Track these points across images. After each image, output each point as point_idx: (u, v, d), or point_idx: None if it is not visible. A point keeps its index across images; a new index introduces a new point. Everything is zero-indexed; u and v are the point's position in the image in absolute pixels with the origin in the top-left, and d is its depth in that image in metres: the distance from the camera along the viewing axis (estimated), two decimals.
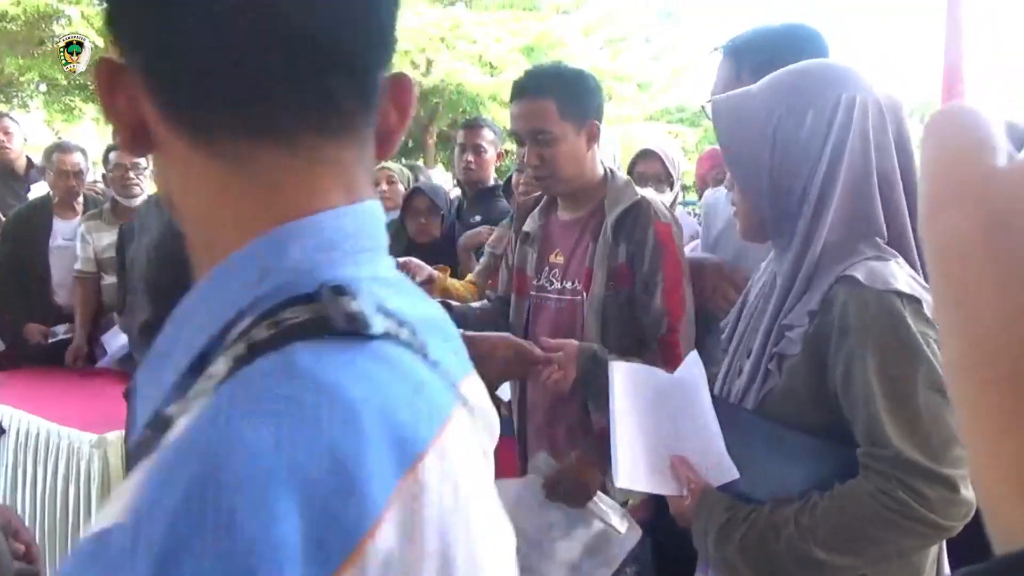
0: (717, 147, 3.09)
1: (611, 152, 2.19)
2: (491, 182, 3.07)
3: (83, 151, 3.51)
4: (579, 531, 1.53)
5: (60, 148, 3.44)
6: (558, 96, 1.63)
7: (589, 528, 1.53)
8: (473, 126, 3.09)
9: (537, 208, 1.83)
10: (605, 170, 1.72)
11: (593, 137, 1.67)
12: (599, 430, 1.52)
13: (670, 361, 1.52)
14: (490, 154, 3.02)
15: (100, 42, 11.80)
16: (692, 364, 1.27)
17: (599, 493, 1.56)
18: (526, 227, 1.83)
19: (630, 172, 2.64)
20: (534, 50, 14.06)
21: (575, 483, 1.55)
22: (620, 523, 1.53)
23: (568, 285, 1.70)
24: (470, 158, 2.99)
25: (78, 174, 3.45)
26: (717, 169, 2.48)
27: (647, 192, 1.75)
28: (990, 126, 0.19)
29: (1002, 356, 0.16)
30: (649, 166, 2.68)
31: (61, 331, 3.32)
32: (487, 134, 3.01)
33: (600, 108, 1.71)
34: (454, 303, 1.95)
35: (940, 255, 0.18)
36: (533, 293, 1.76)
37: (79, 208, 3.50)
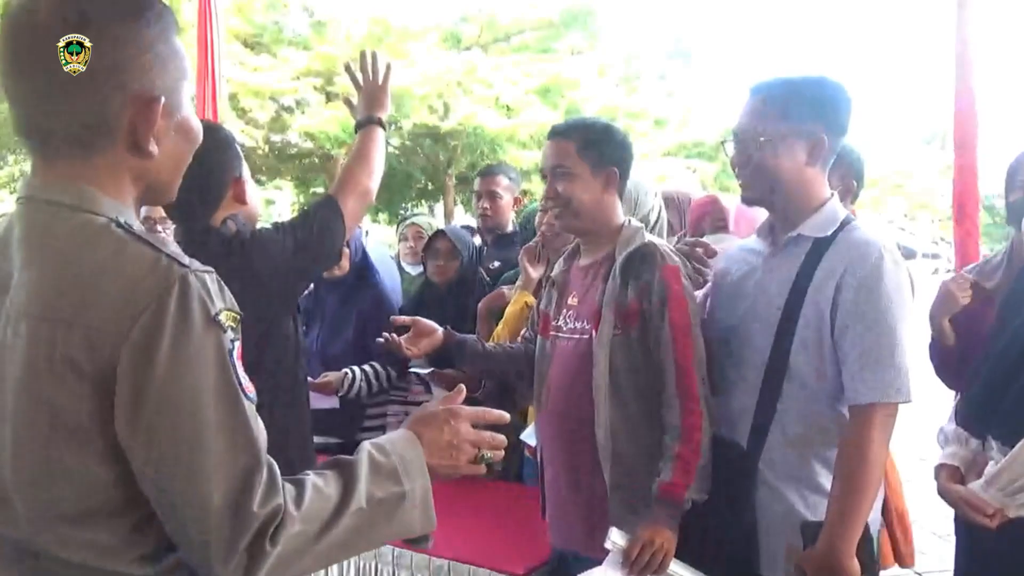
0: (711, 194, 3.06)
1: (654, 203, 2.23)
2: (509, 228, 3.11)
3: None
4: None
5: None
6: (579, 138, 1.75)
7: None
8: (487, 173, 3.13)
9: (563, 256, 1.93)
10: (625, 220, 1.79)
11: (611, 183, 1.75)
12: (658, 491, 1.57)
13: (688, 403, 1.58)
14: (506, 200, 3.05)
15: None
16: None
17: (673, 557, 1.56)
18: (553, 273, 1.94)
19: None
20: (549, 91, 14.24)
21: (655, 550, 1.54)
22: None
23: (579, 325, 1.76)
24: (486, 205, 3.03)
25: None
26: (713, 215, 2.47)
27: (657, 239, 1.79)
28: None
29: None
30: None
31: None
32: (502, 180, 3.05)
33: (623, 160, 1.78)
34: (489, 345, 2.04)
35: None
36: (552, 334, 1.84)
37: None
